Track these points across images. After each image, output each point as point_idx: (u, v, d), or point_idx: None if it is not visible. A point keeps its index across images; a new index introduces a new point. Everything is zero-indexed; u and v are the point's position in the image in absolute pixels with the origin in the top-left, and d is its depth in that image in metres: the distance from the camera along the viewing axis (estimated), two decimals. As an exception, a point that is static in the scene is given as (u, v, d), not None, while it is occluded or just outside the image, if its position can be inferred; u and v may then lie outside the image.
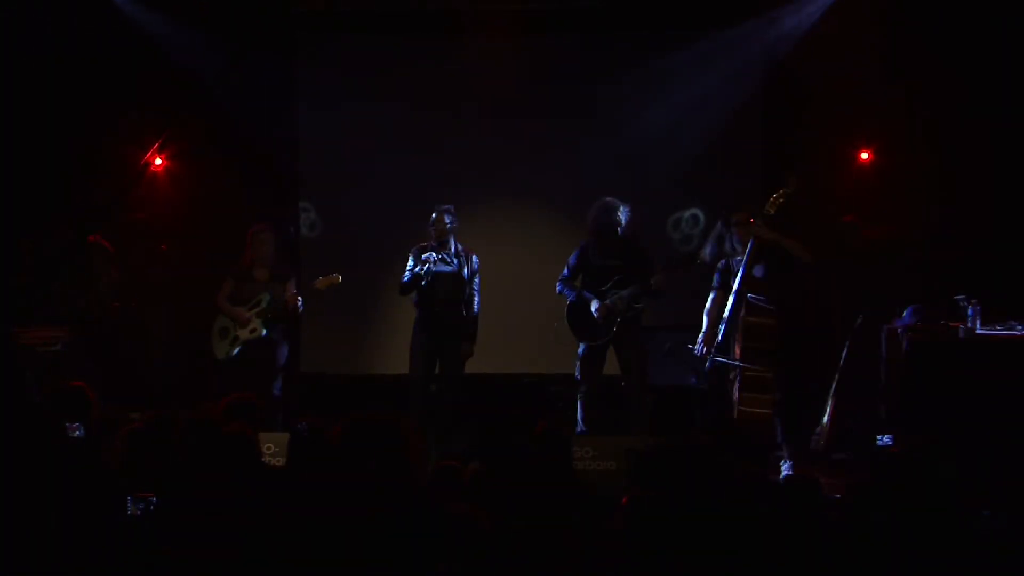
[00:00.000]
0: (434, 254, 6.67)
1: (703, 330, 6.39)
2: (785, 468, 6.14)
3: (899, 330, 6.46)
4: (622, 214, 6.62)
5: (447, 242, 6.77)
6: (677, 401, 7.00)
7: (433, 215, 6.79)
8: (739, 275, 6.17)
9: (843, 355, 7.13)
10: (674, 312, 7.20)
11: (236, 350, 6.84)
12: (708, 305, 6.45)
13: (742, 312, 6.15)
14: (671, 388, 7.16)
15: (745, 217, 6.22)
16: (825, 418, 6.95)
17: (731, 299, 6.21)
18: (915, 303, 6.47)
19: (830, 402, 6.92)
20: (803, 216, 6.81)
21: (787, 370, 6.20)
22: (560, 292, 6.82)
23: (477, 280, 6.83)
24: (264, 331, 6.79)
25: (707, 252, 6.51)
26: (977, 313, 6.23)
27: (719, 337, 6.28)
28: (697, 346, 6.35)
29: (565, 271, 6.83)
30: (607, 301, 6.57)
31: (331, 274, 6.83)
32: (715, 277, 6.46)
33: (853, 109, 7.60)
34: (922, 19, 7.31)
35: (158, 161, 7.91)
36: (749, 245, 6.14)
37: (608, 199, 6.67)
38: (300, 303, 6.83)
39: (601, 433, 6.48)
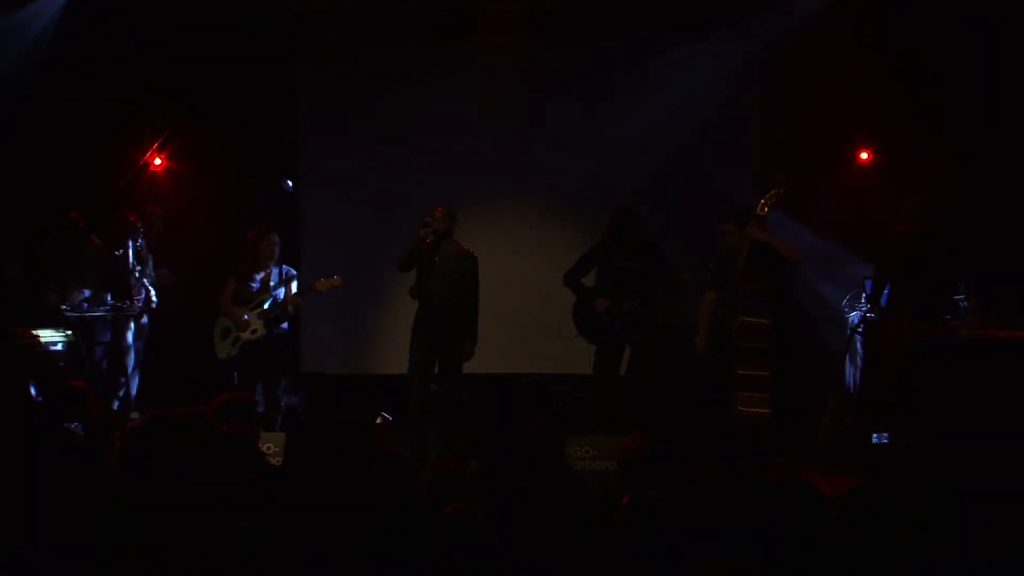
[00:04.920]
0: (426, 227, 6.61)
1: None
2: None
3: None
4: (643, 219, 6.61)
5: (445, 240, 6.75)
6: (676, 401, 7.00)
7: (433, 212, 6.78)
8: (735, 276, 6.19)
9: (843, 353, 7.14)
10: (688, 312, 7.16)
11: (237, 350, 6.85)
12: (701, 306, 6.49)
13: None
14: (671, 389, 7.16)
15: (733, 225, 6.23)
16: (825, 418, 6.94)
17: None
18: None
19: (830, 401, 6.91)
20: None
21: (783, 369, 6.21)
22: (566, 286, 6.79)
23: (476, 280, 6.82)
24: (265, 331, 6.79)
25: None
26: (977, 313, 6.23)
27: None
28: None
29: (575, 266, 6.79)
30: (612, 298, 6.55)
31: (332, 276, 6.85)
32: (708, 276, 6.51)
33: (853, 109, 7.61)
34: (921, 18, 7.31)
35: (158, 161, 7.91)
36: (745, 247, 6.16)
37: (628, 203, 6.65)
38: (300, 303, 6.85)
39: (608, 432, 6.44)
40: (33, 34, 7.53)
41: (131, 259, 7.63)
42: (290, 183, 8.34)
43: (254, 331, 6.80)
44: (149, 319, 7.83)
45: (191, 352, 7.80)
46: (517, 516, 3.65)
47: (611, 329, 6.60)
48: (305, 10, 8.16)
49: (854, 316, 6.88)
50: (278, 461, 4.78)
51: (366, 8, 8.26)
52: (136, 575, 3.31)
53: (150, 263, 7.75)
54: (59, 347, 7.01)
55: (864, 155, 7.99)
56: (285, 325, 7.06)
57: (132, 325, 7.71)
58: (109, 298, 7.47)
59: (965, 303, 6.30)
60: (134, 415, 7.16)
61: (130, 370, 7.62)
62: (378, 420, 6.92)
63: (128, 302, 7.53)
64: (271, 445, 5.30)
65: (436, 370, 6.79)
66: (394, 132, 8.34)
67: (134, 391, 7.63)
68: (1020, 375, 5.93)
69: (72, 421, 4.39)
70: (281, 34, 8.25)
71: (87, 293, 7.37)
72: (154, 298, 7.65)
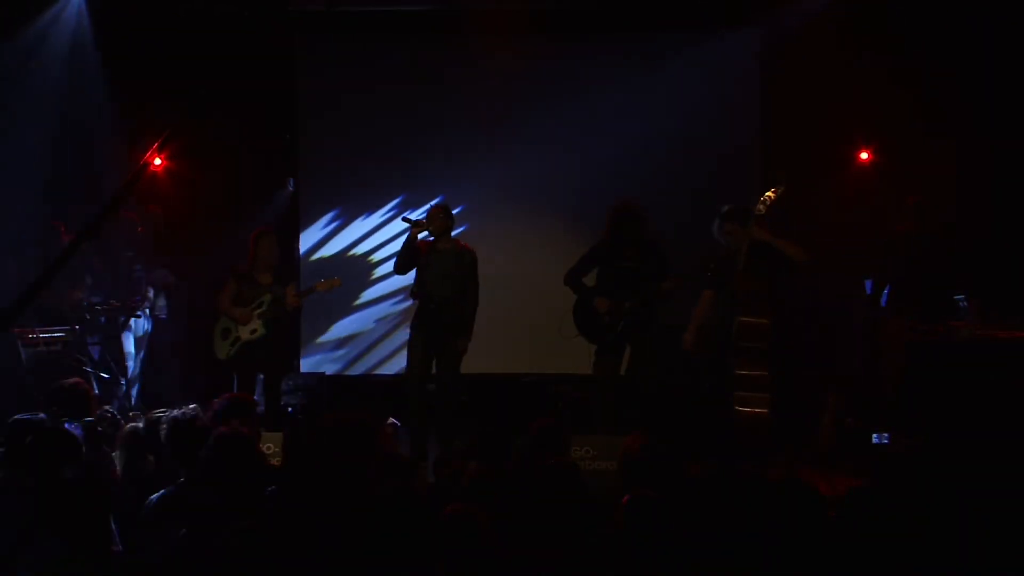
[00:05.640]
0: (411, 215, 6.64)
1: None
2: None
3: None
4: (642, 217, 6.60)
5: (442, 238, 6.75)
6: (676, 401, 6.99)
7: (431, 211, 6.78)
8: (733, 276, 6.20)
9: (844, 353, 7.14)
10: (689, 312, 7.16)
11: (237, 350, 6.85)
12: (698, 304, 6.50)
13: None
14: (671, 389, 7.15)
15: (734, 226, 6.22)
16: (825, 418, 6.95)
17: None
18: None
19: (830, 401, 6.91)
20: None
21: (783, 369, 6.21)
22: (567, 285, 6.78)
23: (476, 277, 6.82)
24: (265, 332, 6.80)
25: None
26: (977, 313, 6.23)
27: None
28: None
29: (576, 265, 6.78)
30: (613, 298, 6.55)
31: (332, 277, 6.85)
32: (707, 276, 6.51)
33: (853, 109, 7.61)
34: (921, 18, 7.31)
35: (158, 161, 7.90)
36: (744, 246, 6.16)
37: (629, 201, 6.64)
38: (300, 304, 6.86)
39: (608, 432, 6.43)
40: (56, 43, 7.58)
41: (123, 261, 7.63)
42: (292, 181, 8.36)
43: (254, 331, 6.79)
44: (151, 319, 7.84)
45: (191, 352, 7.80)
46: (517, 516, 3.65)
47: (612, 329, 6.60)
48: (305, 10, 8.16)
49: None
50: (278, 461, 4.78)
51: (366, 8, 8.26)
52: (136, 575, 3.31)
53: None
54: (59, 347, 7.02)
55: (864, 155, 7.99)
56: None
57: (132, 325, 7.71)
58: (109, 298, 7.47)
59: (965, 303, 6.29)
60: (134, 415, 7.16)
61: (130, 370, 7.62)
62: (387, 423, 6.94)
63: (127, 302, 7.53)
64: (271, 445, 5.30)
65: (434, 370, 6.79)
66: (394, 132, 8.35)
67: (134, 391, 7.63)
68: (1020, 375, 5.93)
69: (72, 421, 4.39)
70: (281, 34, 8.25)
71: (87, 293, 7.37)
72: (151, 296, 7.66)
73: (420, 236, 6.63)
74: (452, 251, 6.71)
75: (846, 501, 3.48)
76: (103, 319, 7.47)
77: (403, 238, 6.72)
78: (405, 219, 6.68)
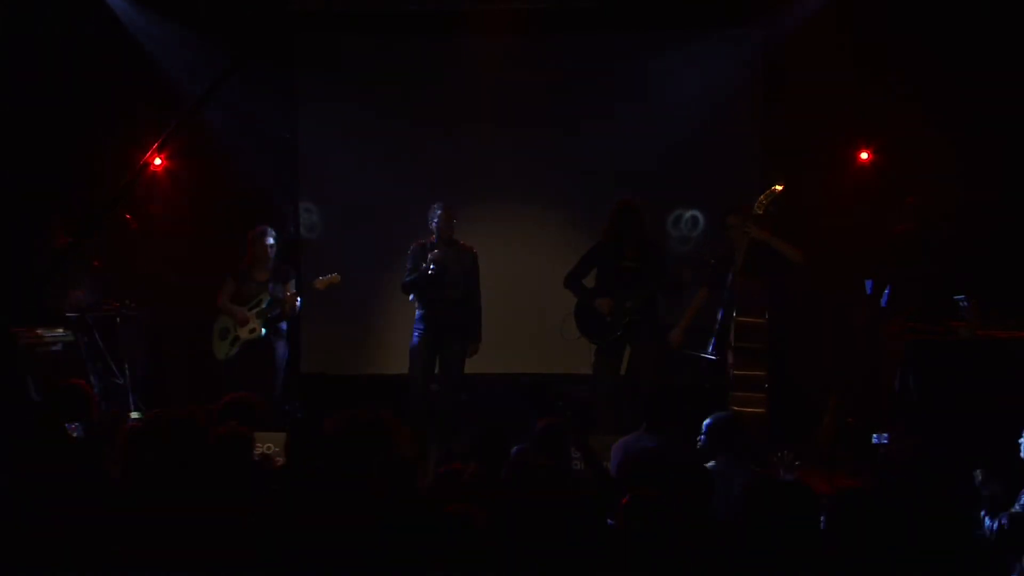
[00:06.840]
0: (434, 264, 6.62)
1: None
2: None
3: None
4: (644, 215, 6.61)
5: (448, 239, 6.76)
6: (674, 400, 6.98)
7: (436, 212, 6.79)
8: (731, 275, 6.21)
9: (844, 353, 7.14)
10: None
11: (236, 350, 6.85)
12: (693, 301, 6.53)
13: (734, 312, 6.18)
14: (671, 389, 7.15)
15: (740, 219, 6.24)
16: (825, 418, 6.95)
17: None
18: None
19: (831, 401, 6.91)
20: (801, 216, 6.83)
21: (783, 370, 6.22)
22: (567, 288, 6.77)
23: (477, 276, 6.82)
24: (263, 331, 6.79)
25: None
26: (977, 313, 6.23)
27: (714, 340, 6.33)
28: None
29: (575, 267, 6.78)
30: (614, 299, 6.56)
31: (331, 274, 6.85)
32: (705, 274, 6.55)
33: (853, 109, 7.61)
34: (922, 17, 7.31)
35: (158, 161, 7.90)
36: (743, 246, 6.17)
37: (630, 200, 6.65)
38: (299, 303, 6.85)
39: (608, 432, 6.42)
40: None
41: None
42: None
43: (252, 331, 6.80)
44: (152, 319, 7.82)
45: (191, 352, 7.80)
46: (517, 516, 3.65)
47: (614, 329, 6.60)
48: (305, 10, 8.16)
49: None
50: (279, 461, 4.77)
51: (366, 8, 8.26)
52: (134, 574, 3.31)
53: None
54: (59, 347, 7.02)
55: (864, 155, 7.99)
56: (284, 325, 7.06)
57: (132, 325, 7.70)
58: (108, 297, 7.47)
59: (965, 303, 6.29)
60: (134, 415, 7.17)
61: (130, 370, 7.62)
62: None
63: (127, 302, 7.53)
64: (271, 445, 5.30)
65: (436, 370, 6.79)
66: (394, 131, 8.35)
67: (134, 391, 7.62)
68: (1020, 375, 5.93)
69: (72, 421, 4.38)
70: (281, 34, 8.25)
71: (87, 293, 7.37)
72: None
73: (424, 240, 6.66)
74: (453, 251, 6.72)
75: (839, 502, 3.48)
76: (103, 319, 7.47)
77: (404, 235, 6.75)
78: (429, 271, 6.65)
